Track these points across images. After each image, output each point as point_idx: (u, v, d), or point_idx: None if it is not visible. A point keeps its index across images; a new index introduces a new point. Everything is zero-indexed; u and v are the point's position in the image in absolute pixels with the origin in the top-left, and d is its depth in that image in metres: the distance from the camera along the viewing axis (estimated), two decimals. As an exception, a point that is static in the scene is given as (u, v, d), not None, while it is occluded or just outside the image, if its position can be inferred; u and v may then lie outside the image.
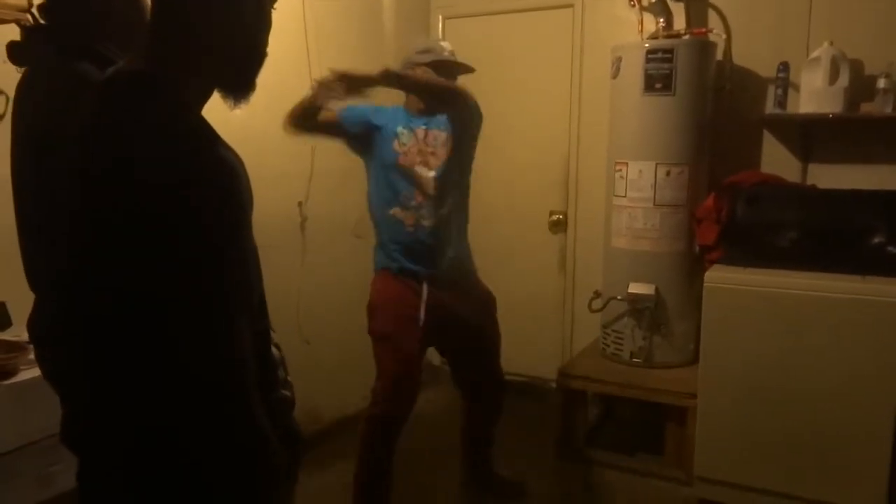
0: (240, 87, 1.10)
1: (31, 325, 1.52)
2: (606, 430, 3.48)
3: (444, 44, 2.60)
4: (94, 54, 1.41)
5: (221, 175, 0.97)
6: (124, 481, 1.05)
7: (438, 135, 2.51)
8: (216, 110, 1.10)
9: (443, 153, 2.50)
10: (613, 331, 3.28)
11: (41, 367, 1.52)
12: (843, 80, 2.98)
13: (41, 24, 1.56)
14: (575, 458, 3.17)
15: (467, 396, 2.77)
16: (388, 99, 2.62)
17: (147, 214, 0.93)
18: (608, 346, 3.33)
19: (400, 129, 2.51)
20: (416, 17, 4.03)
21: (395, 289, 2.50)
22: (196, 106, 1.05)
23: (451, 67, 2.54)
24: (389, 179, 2.49)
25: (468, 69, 2.60)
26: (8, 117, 1.57)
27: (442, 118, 2.52)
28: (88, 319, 1.02)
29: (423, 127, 2.52)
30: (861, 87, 3.02)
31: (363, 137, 2.52)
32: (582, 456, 3.19)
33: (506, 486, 2.85)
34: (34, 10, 1.73)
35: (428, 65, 2.49)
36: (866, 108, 2.99)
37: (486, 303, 2.66)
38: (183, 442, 0.97)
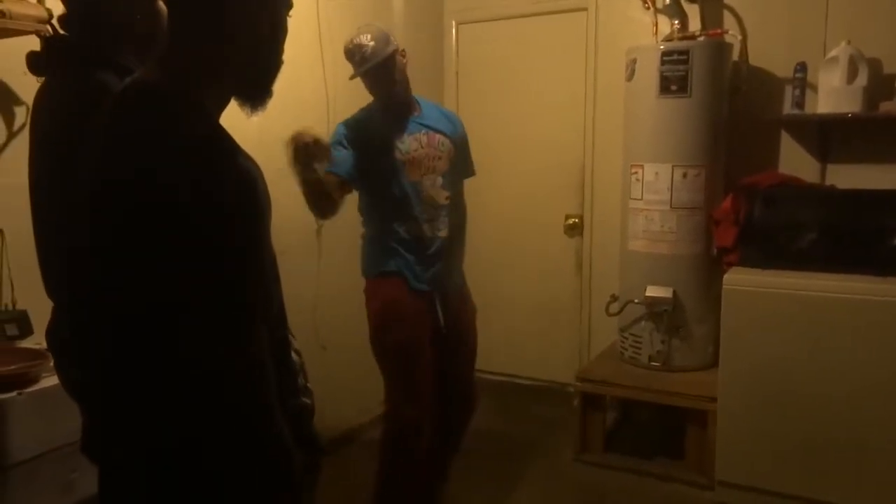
0: (257, 95, 1.11)
1: (50, 334, 1.53)
2: (625, 435, 3.45)
3: (361, 41, 2.24)
4: (114, 65, 1.43)
5: (239, 184, 0.97)
6: (144, 489, 1.05)
7: (442, 139, 2.41)
8: (232, 117, 1.11)
9: (447, 158, 2.40)
10: (631, 334, 3.26)
11: (60, 377, 1.53)
12: (862, 79, 2.95)
13: (61, 34, 1.57)
14: (594, 463, 3.16)
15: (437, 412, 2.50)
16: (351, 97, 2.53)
17: (164, 224, 0.93)
18: (626, 349, 3.31)
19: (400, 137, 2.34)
20: (430, 23, 4.04)
21: (411, 298, 2.35)
22: (213, 115, 1.06)
23: (373, 74, 2.28)
24: (396, 191, 2.33)
25: (386, 63, 2.28)
26: (27, 127, 1.59)
27: (440, 121, 2.44)
28: (104, 329, 1.02)
29: (425, 131, 2.38)
30: (880, 85, 2.99)
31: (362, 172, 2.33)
32: (601, 460, 3.16)
33: None
34: (54, 22, 1.75)
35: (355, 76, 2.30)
36: (885, 107, 2.95)
37: (473, 313, 2.56)
38: (201, 449, 0.97)
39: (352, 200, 2.47)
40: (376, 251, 2.41)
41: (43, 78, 1.58)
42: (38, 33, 1.88)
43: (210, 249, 0.93)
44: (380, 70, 2.27)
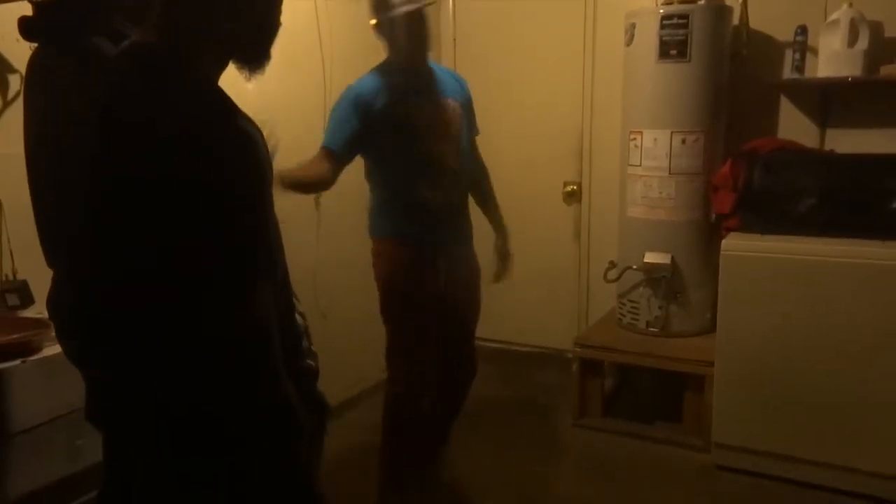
0: (254, 57, 1.10)
1: (51, 303, 1.53)
2: (623, 399, 3.49)
3: None
4: (108, 30, 1.41)
5: (241, 145, 0.97)
6: (152, 453, 1.06)
7: (454, 105, 2.37)
8: (230, 83, 1.10)
9: (458, 123, 2.37)
10: (629, 300, 3.28)
11: (62, 345, 1.54)
12: (863, 42, 2.93)
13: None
14: (592, 428, 3.19)
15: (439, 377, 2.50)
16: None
17: (166, 186, 0.93)
18: (624, 315, 3.32)
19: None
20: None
21: (419, 263, 2.34)
22: (211, 76, 1.05)
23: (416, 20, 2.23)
24: (409, 157, 2.29)
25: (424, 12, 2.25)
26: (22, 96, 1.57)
27: (450, 85, 2.40)
28: (109, 294, 1.02)
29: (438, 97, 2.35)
30: (881, 49, 2.96)
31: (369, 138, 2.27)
32: (599, 425, 3.20)
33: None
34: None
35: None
36: (886, 70, 2.93)
37: (477, 276, 2.57)
38: (210, 411, 0.98)
39: (354, 169, 2.45)
40: (386, 214, 2.38)
41: (36, 44, 1.56)
42: (30, -1, 1.85)
43: (211, 209, 0.93)
44: (422, 17, 2.19)
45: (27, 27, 1.54)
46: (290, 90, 3.04)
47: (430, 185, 2.30)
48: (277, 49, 1.14)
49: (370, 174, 2.43)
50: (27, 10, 1.59)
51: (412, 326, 2.36)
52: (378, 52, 2.37)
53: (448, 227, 2.38)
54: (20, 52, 1.78)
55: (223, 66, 1.08)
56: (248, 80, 1.09)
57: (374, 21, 2.24)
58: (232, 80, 1.12)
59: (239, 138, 0.97)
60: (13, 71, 2.08)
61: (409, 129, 2.28)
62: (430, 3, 2.21)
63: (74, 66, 1.39)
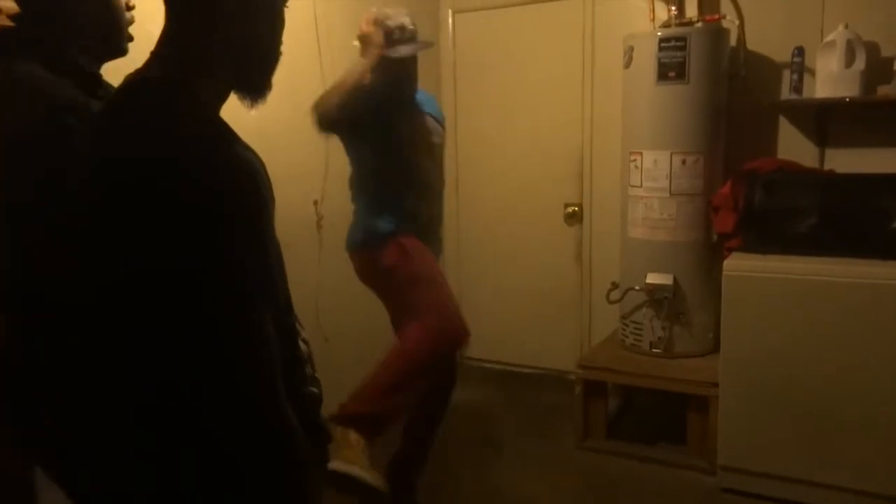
0: (256, 87, 1.11)
1: None
2: (627, 421, 3.47)
3: (405, 21, 2.37)
4: (61, 62, 1.32)
5: (242, 175, 0.98)
6: (157, 478, 1.06)
7: (433, 122, 2.52)
8: (231, 110, 1.11)
9: (439, 137, 2.51)
10: (632, 322, 3.27)
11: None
12: (859, 63, 2.95)
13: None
14: (596, 450, 3.17)
15: None
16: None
17: (166, 216, 0.93)
18: (627, 336, 3.32)
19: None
20: (426, 12, 4.03)
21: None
22: (214, 108, 1.06)
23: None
24: (408, 165, 2.40)
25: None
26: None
27: (428, 103, 2.54)
28: (105, 329, 1.02)
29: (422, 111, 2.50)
30: (877, 69, 2.98)
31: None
32: (603, 447, 3.18)
33: None
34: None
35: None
36: (883, 90, 2.96)
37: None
38: (213, 439, 0.98)
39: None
40: (379, 217, 2.45)
41: None
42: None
43: (212, 241, 0.94)
44: (415, 58, 2.42)
45: None
46: (291, 113, 3.06)
47: (416, 196, 2.42)
48: (278, 73, 1.15)
49: (362, 182, 2.50)
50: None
51: (439, 288, 2.38)
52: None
53: (437, 241, 2.51)
54: None
55: (224, 98, 1.09)
56: (250, 109, 1.10)
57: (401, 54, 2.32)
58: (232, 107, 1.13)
59: (237, 169, 0.97)
60: None
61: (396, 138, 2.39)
62: (429, 46, 2.40)
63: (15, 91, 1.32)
